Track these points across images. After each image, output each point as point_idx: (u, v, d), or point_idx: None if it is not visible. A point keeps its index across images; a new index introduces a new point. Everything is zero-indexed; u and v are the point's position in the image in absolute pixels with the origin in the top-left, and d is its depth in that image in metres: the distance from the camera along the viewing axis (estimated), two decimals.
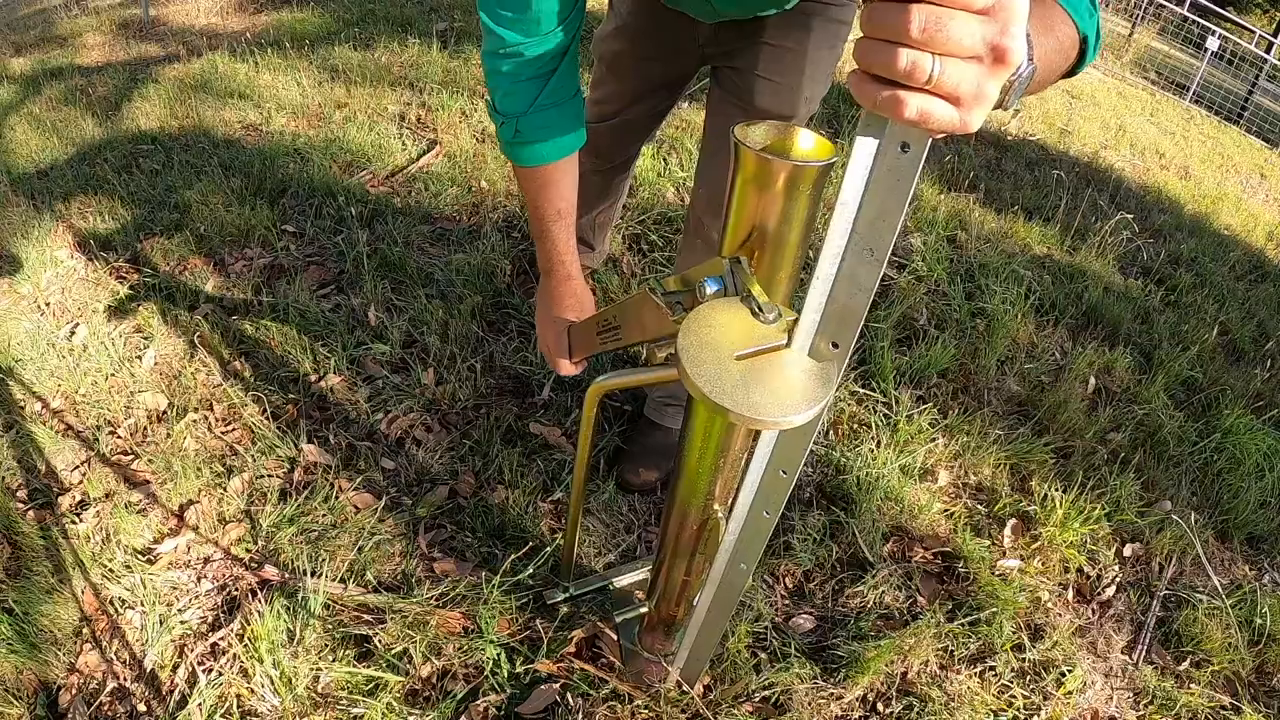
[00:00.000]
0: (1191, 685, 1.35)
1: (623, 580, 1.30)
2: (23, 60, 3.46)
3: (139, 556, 1.26)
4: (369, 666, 1.13)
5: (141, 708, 1.09)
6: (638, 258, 2.04)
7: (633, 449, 1.50)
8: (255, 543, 1.30)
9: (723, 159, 1.21)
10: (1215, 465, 1.85)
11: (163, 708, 1.08)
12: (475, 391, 1.60)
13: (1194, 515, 1.68)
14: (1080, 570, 1.52)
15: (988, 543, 1.50)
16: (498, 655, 1.16)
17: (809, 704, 1.19)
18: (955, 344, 1.95)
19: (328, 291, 1.83)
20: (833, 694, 1.20)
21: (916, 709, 1.21)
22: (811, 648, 1.28)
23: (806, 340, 0.57)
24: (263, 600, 1.19)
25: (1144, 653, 1.40)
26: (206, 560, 1.27)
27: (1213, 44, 7.83)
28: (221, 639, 1.16)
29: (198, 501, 1.35)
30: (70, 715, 1.08)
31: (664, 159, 2.50)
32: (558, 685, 1.14)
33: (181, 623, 1.18)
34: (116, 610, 1.19)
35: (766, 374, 0.55)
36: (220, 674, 1.11)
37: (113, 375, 1.58)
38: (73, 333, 1.67)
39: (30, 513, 1.32)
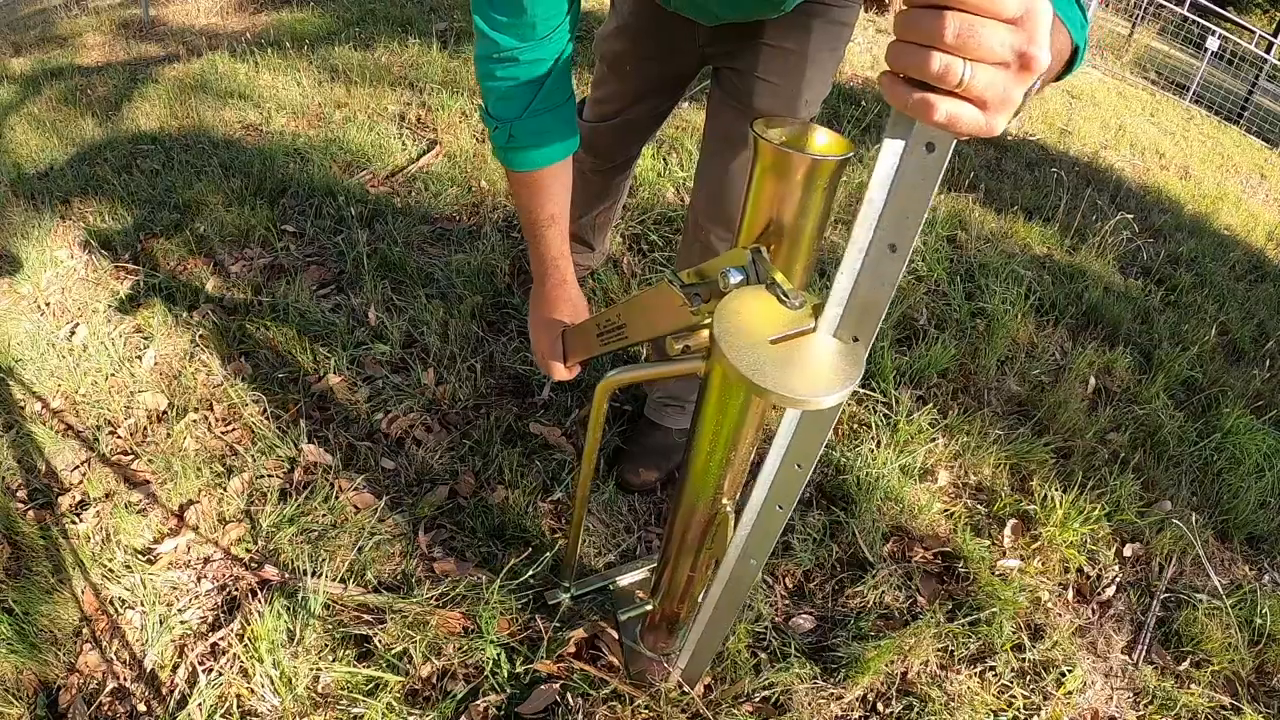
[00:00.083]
0: (1191, 685, 1.35)
1: (624, 580, 1.30)
2: (23, 60, 3.46)
3: (139, 556, 1.26)
4: (369, 666, 1.13)
5: (141, 708, 1.09)
6: (638, 258, 2.04)
7: (633, 449, 1.50)
8: (255, 543, 1.30)
9: (722, 160, 1.21)
10: (1215, 465, 1.85)
11: (163, 708, 1.08)
12: (475, 391, 1.60)
13: (1194, 515, 1.68)
14: (1080, 570, 1.52)
15: (988, 543, 1.51)
16: (498, 655, 1.16)
17: (809, 704, 1.19)
18: (955, 344, 1.95)
19: (328, 291, 1.83)
20: (833, 694, 1.20)
21: (916, 709, 1.21)
22: (811, 648, 1.28)
23: (829, 332, 0.60)
24: (263, 600, 1.19)
25: (1144, 653, 1.40)
26: (206, 560, 1.27)
27: (1213, 44, 7.84)
28: (221, 639, 1.16)
29: (198, 501, 1.35)
30: (70, 715, 1.08)
31: (664, 159, 2.50)
32: (558, 685, 1.14)
33: (181, 623, 1.18)
34: (116, 610, 1.19)
35: (800, 356, 0.57)
36: (220, 674, 1.11)
37: (113, 375, 1.58)
38: (73, 333, 1.67)
39: (30, 513, 1.32)
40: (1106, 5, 9.75)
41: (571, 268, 1.07)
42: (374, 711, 1.07)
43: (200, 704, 1.07)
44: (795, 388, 0.54)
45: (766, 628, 1.27)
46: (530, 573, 1.25)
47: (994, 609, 1.35)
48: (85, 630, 1.17)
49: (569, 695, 1.13)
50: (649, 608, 1.15)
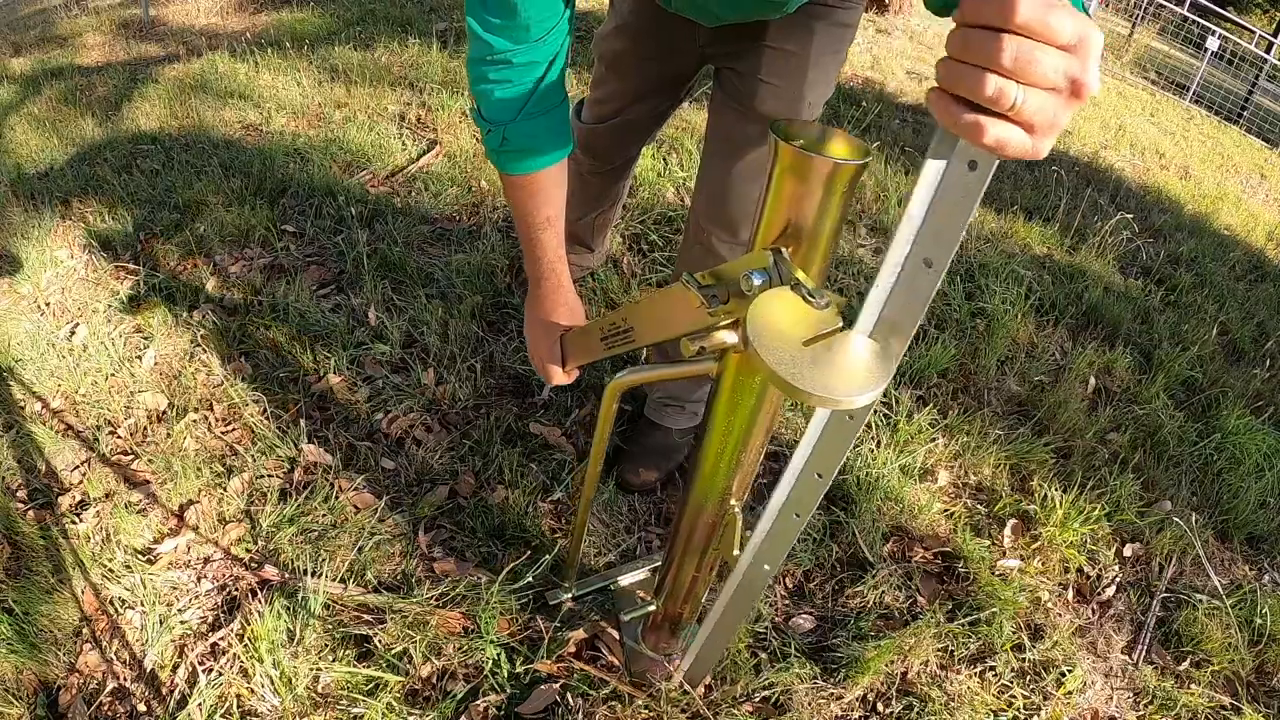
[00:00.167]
0: (1191, 685, 1.35)
1: (625, 579, 1.30)
2: (23, 60, 3.46)
3: (139, 556, 1.26)
4: (369, 666, 1.13)
5: (141, 708, 1.09)
6: (638, 258, 2.04)
7: (633, 449, 1.50)
8: (255, 543, 1.30)
9: (723, 162, 1.20)
10: (1215, 465, 1.85)
11: (163, 708, 1.08)
12: (475, 391, 1.60)
13: (1194, 515, 1.68)
14: (1080, 570, 1.52)
15: (988, 543, 1.51)
16: (498, 655, 1.16)
17: (809, 704, 1.19)
18: (955, 344, 1.95)
19: (328, 291, 1.83)
20: (833, 694, 1.20)
21: (916, 709, 1.21)
22: (811, 648, 1.28)
23: None
24: (263, 600, 1.19)
25: (1144, 653, 1.40)
26: (206, 560, 1.27)
27: (1213, 44, 7.84)
28: (221, 639, 1.16)
29: (198, 501, 1.35)
30: (70, 715, 1.08)
31: (664, 159, 2.50)
32: (558, 685, 1.14)
33: (181, 623, 1.18)
34: (116, 610, 1.19)
35: (833, 357, 0.57)
36: (220, 674, 1.11)
37: (113, 375, 1.58)
38: (73, 333, 1.67)
39: (30, 513, 1.32)
40: (1106, 5, 9.75)
41: (568, 271, 1.06)
42: (374, 711, 1.07)
43: (200, 704, 1.07)
44: (831, 387, 0.55)
45: (766, 628, 1.27)
46: (530, 573, 1.25)
47: (994, 609, 1.35)
48: (85, 630, 1.17)
49: (569, 695, 1.13)
50: (652, 608, 1.15)
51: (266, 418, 1.50)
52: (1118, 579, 1.52)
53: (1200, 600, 1.50)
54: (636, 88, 1.31)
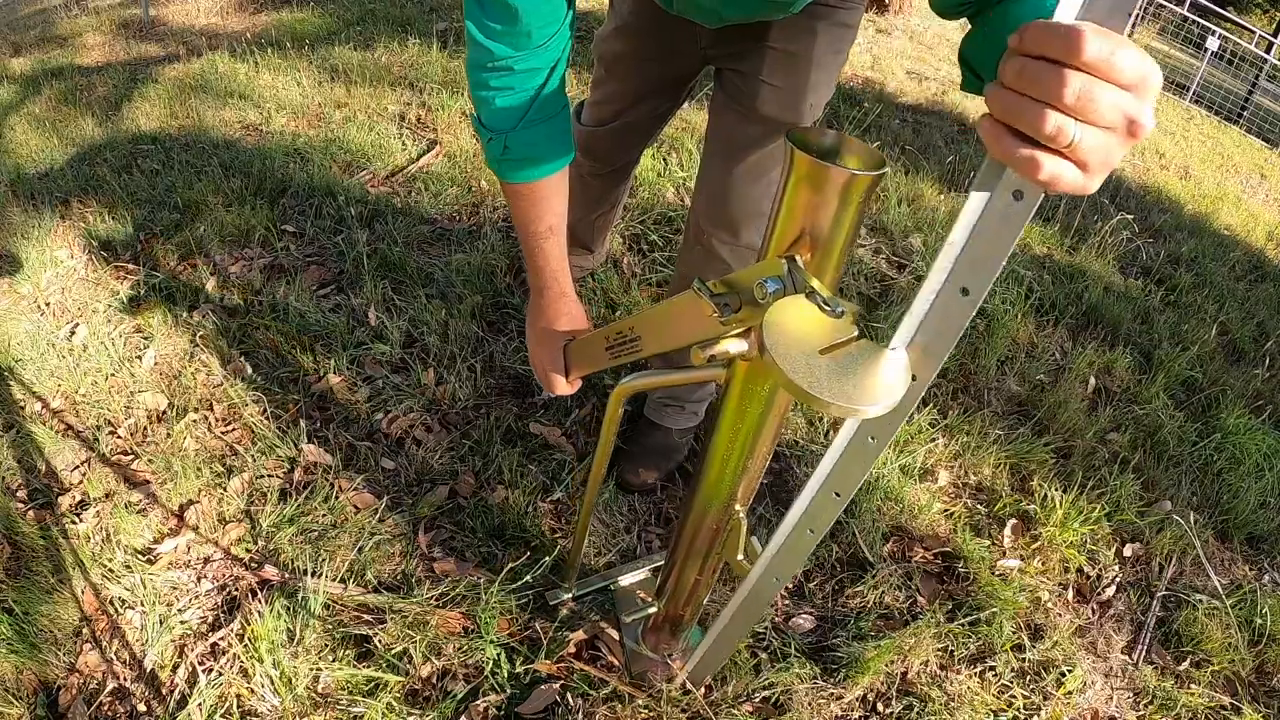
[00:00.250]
0: (1191, 685, 1.35)
1: (625, 580, 1.30)
2: (23, 60, 3.46)
3: (139, 556, 1.26)
4: (369, 666, 1.13)
5: (141, 708, 1.09)
6: (638, 258, 2.04)
7: (632, 449, 1.50)
8: (255, 543, 1.30)
9: (724, 164, 1.20)
10: (1215, 465, 1.85)
11: (163, 708, 1.08)
12: (475, 391, 1.60)
13: (1194, 515, 1.68)
14: (1080, 570, 1.52)
15: (988, 543, 1.51)
16: (498, 655, 1.16)
17: (809, 704, 1.19)
18: (955, 344, 1.95)
19: (328, 291, 1.83)
20: (833, 694, 1.20)
21: (916, 709, 1.21)
22: (811, 648, 1.28)
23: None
24: (263, 600, 1.19)
25: (1144, 653, 1.40)
26: (206, 560, 1.27)
27: (1213, 44, 7.84)
28: (221, 639, 1.16)
29: (198, 501, 1.35)
30: (70, 715, 1.08)
31: (664, 159, 2.50)
32: (558, 685, 1.14)
33: (181, 623, 1.18)
34: (116, 610, 1.19)
35: (850, 365, 0.57)
36: (220, 674, 1.11)
37: (113, 375, 1.58)
38: (73, 333, 1.67)
39: (30, 513, 1.32)
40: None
41: (570, 279, 1.04)
42: (374, 711, 1.07)
43: (200, 704, 1.07)
44: (851, 396, 0.54)
45: (766, 628, 1.27)
46: (530, 573, 1.25)
47: (994, 609, 1.35)
48: (85, 630, 1.17)
49: (569, 695, 1.13)
50: (653, 610, 1.15)
51: (266, 418, 1.50)
52: (1118, 579, 1.52)
53: (1200, 600, 1.50)
54: (637, 90, 1.30)
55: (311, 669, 1.12)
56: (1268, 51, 8.51)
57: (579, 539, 1.15)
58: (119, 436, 1.47)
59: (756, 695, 1.18)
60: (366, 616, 1.20)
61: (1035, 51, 0.40)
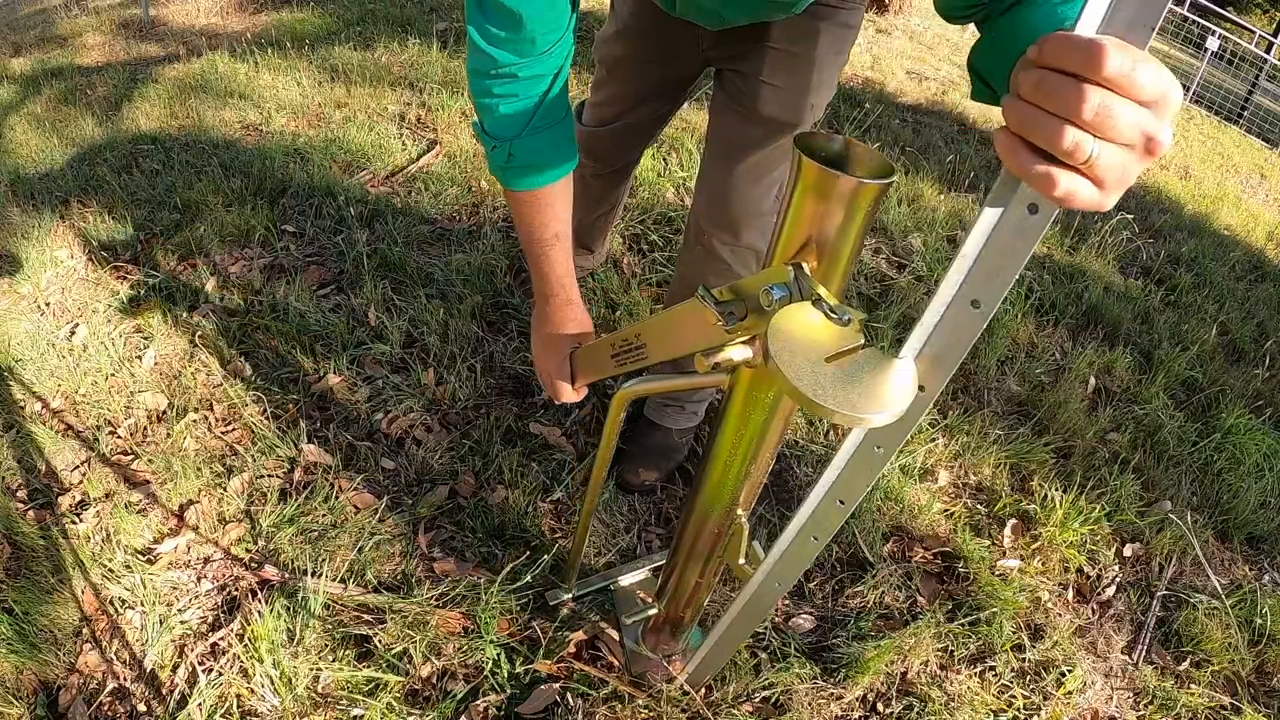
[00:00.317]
0: (1191, 685, 1.35)
1: (625, 580, 1.30)
2: (23, 60, 3.46)
3: (139, 556, 1.26)
4: (369, 666, 1.13)
5: (141, 708, 1.09)
6: (637, 258, 2.04)
7: (632, 449, 1.50)
8: (255, 543, 1.30)
9: (724, 164, 1.19)
10: (1215, 465, 1.85)
11: (163, 708, 1.08)
12: (475, 391, 1.60)
13: (1194, 515, 1.68)
14: (1080, 570, 1.52)
15: (988, 543, 1.51)
16: (498, 655, 1.16)
17: (809, 704, 1.19)
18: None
19: (328, 291, 1.83)
20: (833, 694, 1.20)
21: (916, 709, 1.21)
22: (811, 648, 1.28)
23: None
24: (263, 600, 1.19)
25: (1144, 653, 1.40)
26: (206, 560, 1.27)
27: (1213, 44, 7.84)
28: (221, 639, 1.16)
29: (198, 501, 1.35)
30: (70, 715, 1.08)
31: (664, 159, 2.50)
32: (557, 685, 1.14)
33: (181, 623, 1.18)
34: (116, 610, 1.19)
35: (856, 373, 0.57)
36: (220, 674, 1.11)
37: (113, 375, 1.58)
38: (73, 333, 1.67)
39: (30, 513, 1.32)
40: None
41: (576, 285, 1.03)
42: (374, 711, 1.07)
43: (200, 704, 1.07)
44: (856, 404, 0.54)
45: (766, 628, 1.27)
46: (530, 573, 1.25)
47: (994, 609, 1.35)
48: (85, 630, 1.17)
49: (569, 695, 1.13)
50: (654, 611, 1.15)
51: (266, 418, 1.50)
52: (1118, 579, 1.52)
53: (1200, 600, 1.50)
54: (638, 91, 1.30)
55: (311, 669, 1.12)
56: (1268, 51, 8.51)
57: (579, 541, 1.15)
58: (119, 436, 1.47)
59: (756, 695, 1.18)
60: (366, 616, 1.20)
61: (1054, 64, 0.39)
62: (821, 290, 0.60)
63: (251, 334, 1.68)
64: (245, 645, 1.14)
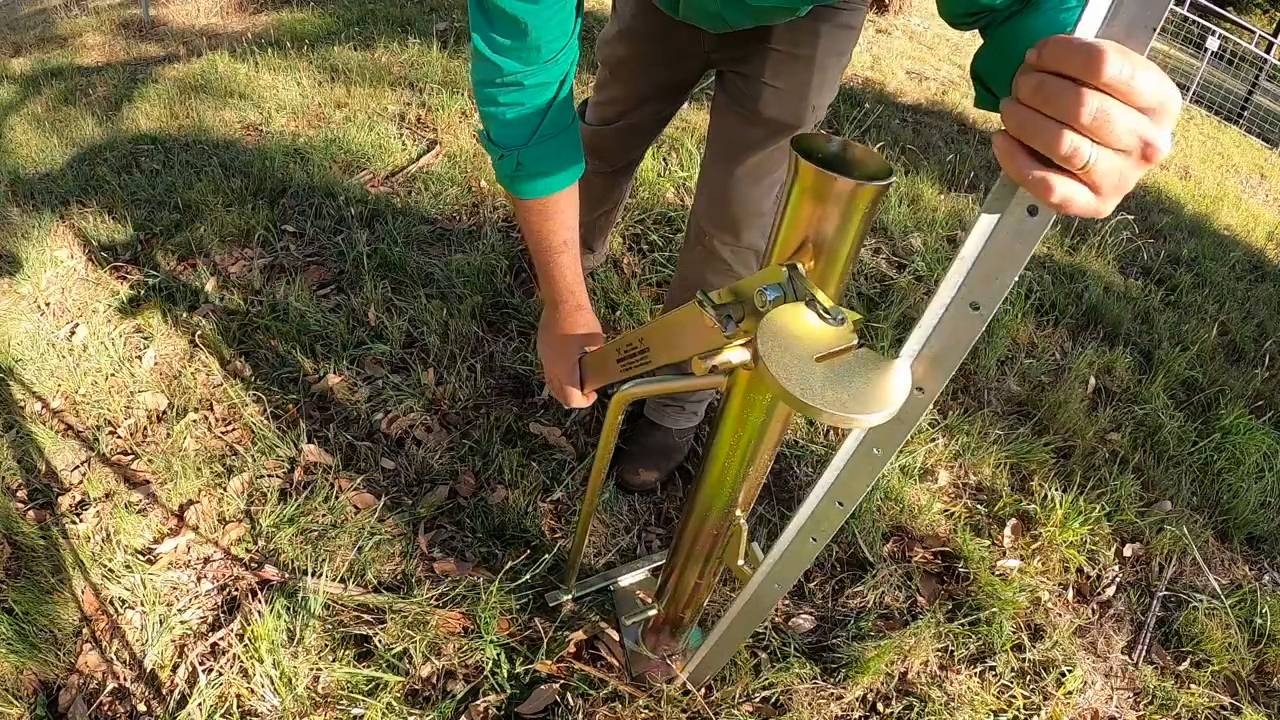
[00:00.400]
0: (1191, 685, 1.35)
1: (625, 580, 1.30)
2: (23, 60, 3.46)
3: (139, 556, 1.26)
4: (369, 666, 1.13)
5: (141, 708, 1.09)
6: (637, 258, 2.04)
7: (632, 449, 1.50)
8: (255, 543, 1.30)
9: (725, 165, 1.19)
10: (1215, 465, 1.85)
11: (163, 708, 1.08)
12: (475, 391, 1.60)
13: (1194, 515, 1.68)
14: (1080, 570, 1.52)
15: (988, 543, 1.51)
16: (497, 655, 1.16)
17: (809, 704, 1.19)
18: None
19: (328, 291, 1.83)
20: (833, 694, 1.20)
21: (916, 709, 1.21)
22: (811, 648, 1.28)
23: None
24: (263, 600, 1.19)
25: (1144, 653, 1.40)
26: (206, 560, 1.27)
27: (1213, 44, 7.84)
28: (221, 639, 1.16)
29: (198, 501, 1.35)
30: (70, 715, 1.08)
31: (664, 159, 2.50)
32: (558, 685, 1.14)
33: (181, 623, 1.18)
34: (116, 610, 1.19)
35: (847, 374, 0.56)
36: (220, 674, 1.11)
37: (113, 375, 1.58)
38: (73, 333, 1.67)
39: (30, 513, 1.32)
40: None
41: (585, 290, 1.02)
42: (374, 711, 1.07)
43: (200, 704, 1.07)
44: (845, 404, 0.53)
45: (766, 628, 1.27)
46: (530, 573, 1.25)
47: (994, 609, 1.35)
48: (85, 630, 1.17)
49: (569, 695, 1.13)
50: (653, 612, 1.15)
51: (266, 418, 1.50)
52: (1118, 579, 1.52)
53: (1200, 600, 1.50)
54: (641, 93, 1.30)
55: (311, 669, 1.12)
56: (1268, 51, 8.51)
57: (579, 541, 1.15)
58: (119, 436, 1.47)
59: (756, 695, 1.18)
60: (366, 616, 1.20)
61: (1053, 68, 0.39)
62: (815, 291, 0.60)
63: (251, 334, 1.68)
64: (245, 645, 1.14)
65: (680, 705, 1.13)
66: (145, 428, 1.49)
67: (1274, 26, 16.57)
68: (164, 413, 1.52)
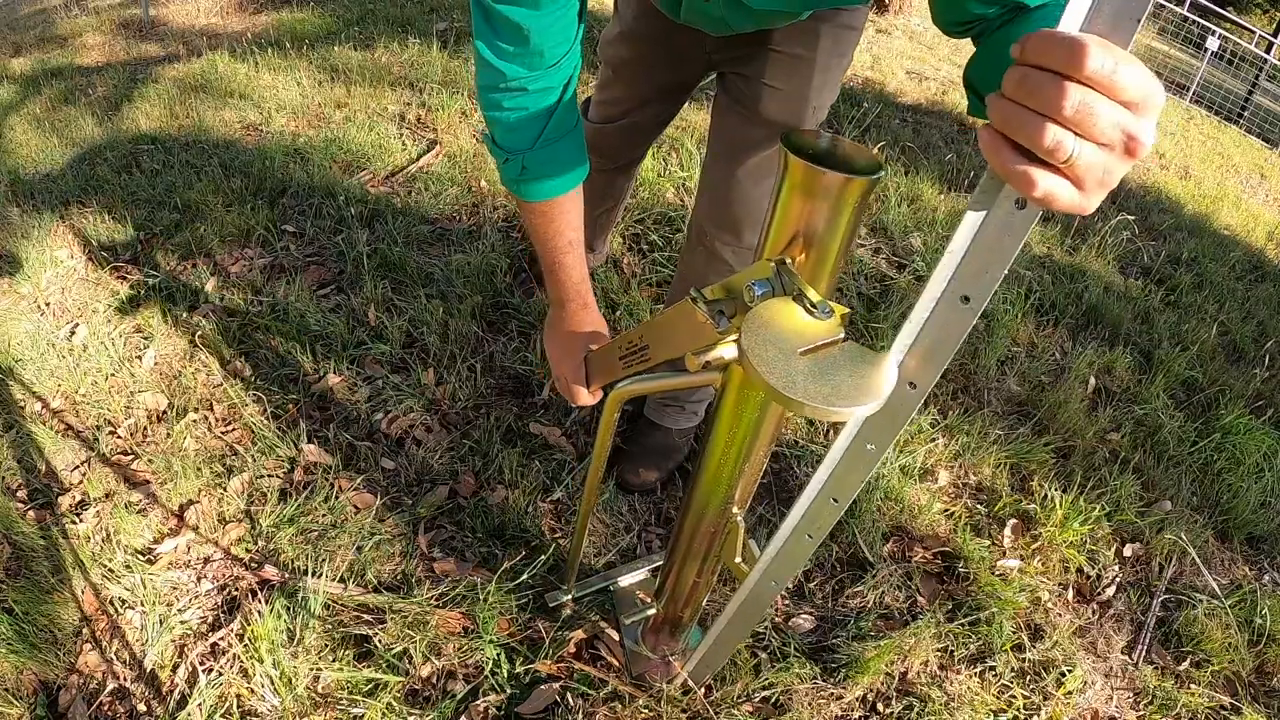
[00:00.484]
0: (1191, 685, 1.35)
1: (624, 580, 1.30)
2: (23, 60, 3.46)
3: (139, 556, 1.26)
4: (369, 667, 1.13)
5: (141, 708, 1.09)
6: (637, 258, 2.04)
7: (632, 449, 1.50)
8: (255, 543, 1.30)
9: (726, 166, 1.20)
10: (1215, 465, 1.85)
11: (163, 708, 1.08)
12: (475, 391, 1.60)
13: (1194, 515, 1.68)
14: (1080, 570, 1.52)
15: (988, 543, 1.50)
16: (497, 655, 1.16)
17: (809, 704, 1.19)
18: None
19: (328, 291, 1.83)
20: (833, 694, 1.20)
21: (916, 709, 1.21)
22: (811, 648, 1.28)
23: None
24: (263, 600, 1.19)
25: (1144, 653, 1.40)
26: (206, 560, 1.27)
27: (1213, 44, 7.84)
28: (221, 639, 1.16)
29: (198, 501, 1.35)
30: (70, 715, 1.08)
31: (664, 159, 2.50)
32: (558, 685, 1.14)
33: (181, 623, 1.18)
34: (116, 610, 1.19)
35: (831, 367, 0.56)
36: (220, 674, 1.11)
37: (113, 375, 1.58)
38: (73, 333, 1.67)
39: (30, 513, 1.32)
40: None
41: (591, 290, 1.03)
42: (374, 711, 1.07)
43: (200, 704, 1.07)
44: (828, 397, 0.53)
45: (766, 628, 1.27)
46: (530, 573, 1.25)
47: (994, 609, 1.35)
48: (85, 630, 1.17)
49: (569, 695, 1.13)
50: (652, 611, 1.15)
51: (266, 418, 1.50)
52: (1118, 579, 1.52)
53: (1200, 600, 1.50)
54: (643, 94, 1.31)
55: (311, 669, 1.12)
56: (1268, 51, 8.51)
57: (577, 541, 1.15)
58: (119, 436, 1.47)
59: (756, 695, 1.18)
60: (366, 616, 1.20)
61: (1036, 61, 0.39)
62: (803, 285, 0.60)
63: (251, 334, 1.68)
64: (245, 645, 1.14)
65: (680, 705, 1.13)
66: (145, 428, 1.49)
67: (1274, 26, 16.57)
68: (164, 413, 1.52)
